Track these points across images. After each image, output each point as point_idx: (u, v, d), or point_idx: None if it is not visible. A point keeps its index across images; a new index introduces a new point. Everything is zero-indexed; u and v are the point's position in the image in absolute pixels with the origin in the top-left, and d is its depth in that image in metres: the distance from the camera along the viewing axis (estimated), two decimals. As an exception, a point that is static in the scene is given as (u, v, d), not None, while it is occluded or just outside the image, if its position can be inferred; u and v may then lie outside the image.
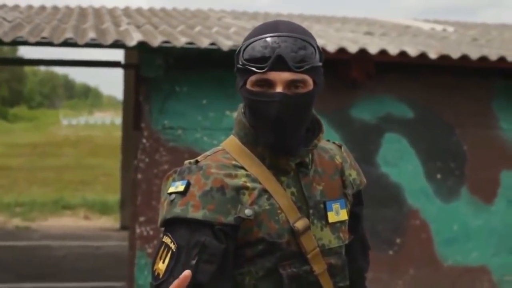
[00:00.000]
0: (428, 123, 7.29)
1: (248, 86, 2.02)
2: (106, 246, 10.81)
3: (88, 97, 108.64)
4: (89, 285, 8.44)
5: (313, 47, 2.02)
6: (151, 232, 6.65)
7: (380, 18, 12.88)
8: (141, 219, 6.67)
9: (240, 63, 2.02)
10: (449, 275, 7.33)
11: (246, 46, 2.02)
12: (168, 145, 6.74)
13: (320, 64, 2.05)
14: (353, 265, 2.26)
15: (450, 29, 10.74)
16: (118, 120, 40.60)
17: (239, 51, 2.04)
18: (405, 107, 7.26)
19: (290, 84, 1.98)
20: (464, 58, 6.97)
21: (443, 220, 7.31)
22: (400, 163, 7.25)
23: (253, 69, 1.98)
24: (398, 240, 7.23)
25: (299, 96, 1.99)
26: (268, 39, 1.98)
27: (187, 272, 1.72)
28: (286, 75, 1.97)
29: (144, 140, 6.70)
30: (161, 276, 1.93)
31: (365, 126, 7.18)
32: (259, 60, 1.97)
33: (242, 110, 2.13)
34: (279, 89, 1.97)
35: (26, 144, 31.84)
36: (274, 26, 2.02)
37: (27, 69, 70.34)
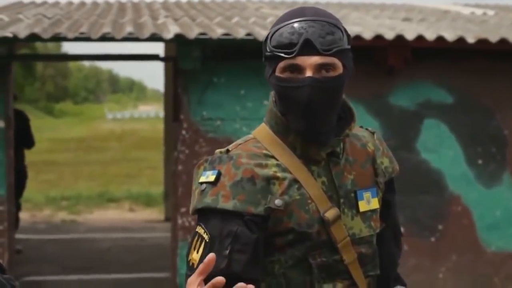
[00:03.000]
0: (467, 108, 7.23)
1: (277, 73, 2.01)
2: (150, 237, 10.88)
3: (132, 91, 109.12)
4: (134, 276, 8.52)
5: (341, 30, 2.00)
6: (192, 223, 6.71)
7: (419, 3, 12.76)
8: (182, 210, 6.73)
9: (268, 50, 2.02)
10: (492, 261, 7.27)
11: (273, 33, 2.01)
12: (207, 136, 6.79)
13: (349, 47, 2.03)
14: (385, 252, 2.25)
15: (491, 12, 10.59)
16: (162, 113, 40.79)
17: (266, 38, 2.03)
18: (444, 92, 7.20)
19: (320, 67, 1.96)
20: (503, 41, 6.89)
21: (485, 206, 7.25)
22: (440, 149, 7.20)
23: (282, 54, 1.97)
24: (440, 227, 7.18)
25: (329, 79, 1.97)
26: (295, 24, 1.97)
27: (211, 256, 1.74)
28: (315, 59, 1.95)
29: (183, 132, 6.76)
30: (195, 265, 1.94)
31: (404, 112, 7.14)
32: (287, 46, 1.96)
33: (273, 99, 2.11)
34: (308, 73, 1.96)
35: (72, 139, 32.14)
36: (301, 11, 2.01)
37: (72, 65, 70.87)
